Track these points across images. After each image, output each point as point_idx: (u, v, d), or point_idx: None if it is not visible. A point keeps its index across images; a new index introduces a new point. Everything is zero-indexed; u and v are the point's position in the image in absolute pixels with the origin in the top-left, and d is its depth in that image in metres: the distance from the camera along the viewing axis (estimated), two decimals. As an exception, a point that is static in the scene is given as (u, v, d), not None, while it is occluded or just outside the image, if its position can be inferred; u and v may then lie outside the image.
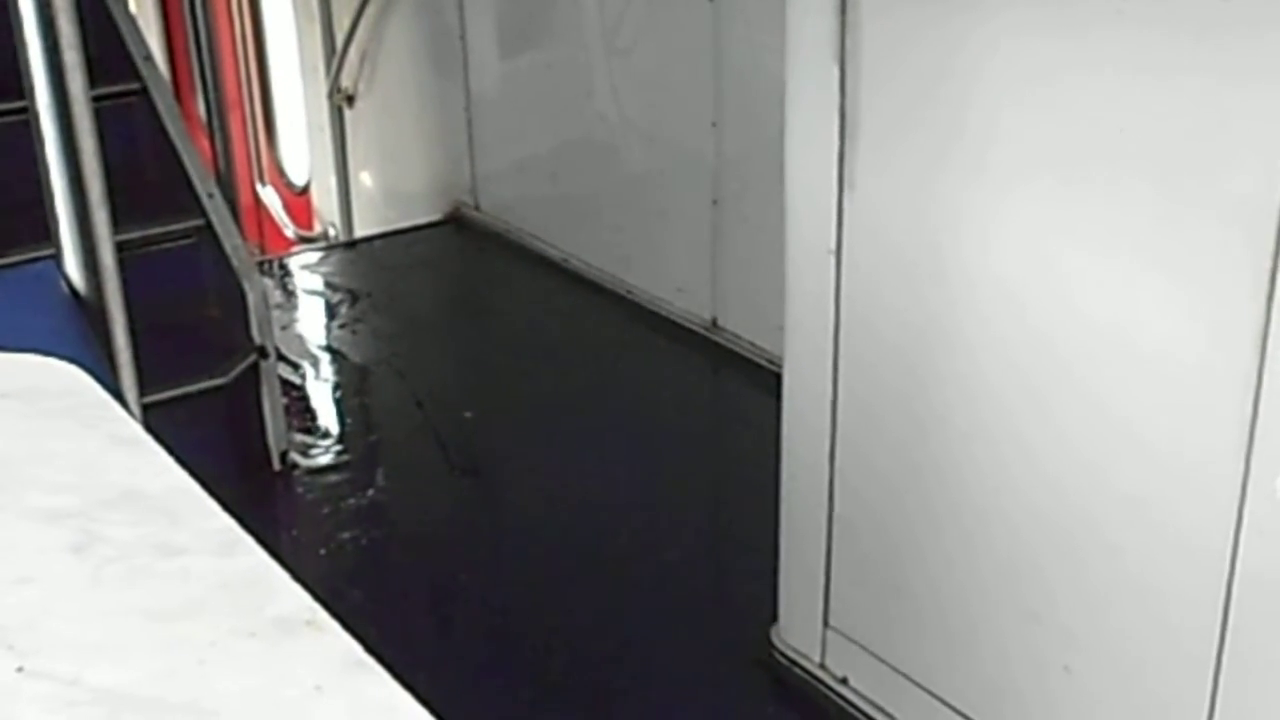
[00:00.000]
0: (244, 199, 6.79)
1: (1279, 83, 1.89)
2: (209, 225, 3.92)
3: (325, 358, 4.77)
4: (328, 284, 5.41)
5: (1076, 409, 2.33)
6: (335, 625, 1.21)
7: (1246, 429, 2.04)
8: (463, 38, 5.57)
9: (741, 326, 4.55)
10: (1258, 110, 1.93)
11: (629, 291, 4.94)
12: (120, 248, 3.54)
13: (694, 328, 4.70)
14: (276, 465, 3.98)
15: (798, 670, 3.08)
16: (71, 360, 1.73)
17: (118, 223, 3.51)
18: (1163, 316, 2.15)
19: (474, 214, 5.81)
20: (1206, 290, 2.07)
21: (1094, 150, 2.19)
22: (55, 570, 1.30)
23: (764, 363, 4.33)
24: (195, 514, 1.39)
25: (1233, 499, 2.08)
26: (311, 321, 5.13)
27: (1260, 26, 1.91)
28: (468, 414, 4.43)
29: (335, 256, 5.86)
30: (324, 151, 6.61)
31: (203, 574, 1.30)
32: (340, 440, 4.25)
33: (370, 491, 3.95)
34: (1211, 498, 2.12)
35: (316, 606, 1.23)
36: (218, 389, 3.90)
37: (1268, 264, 1.95)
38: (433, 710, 1.12)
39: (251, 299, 3.84)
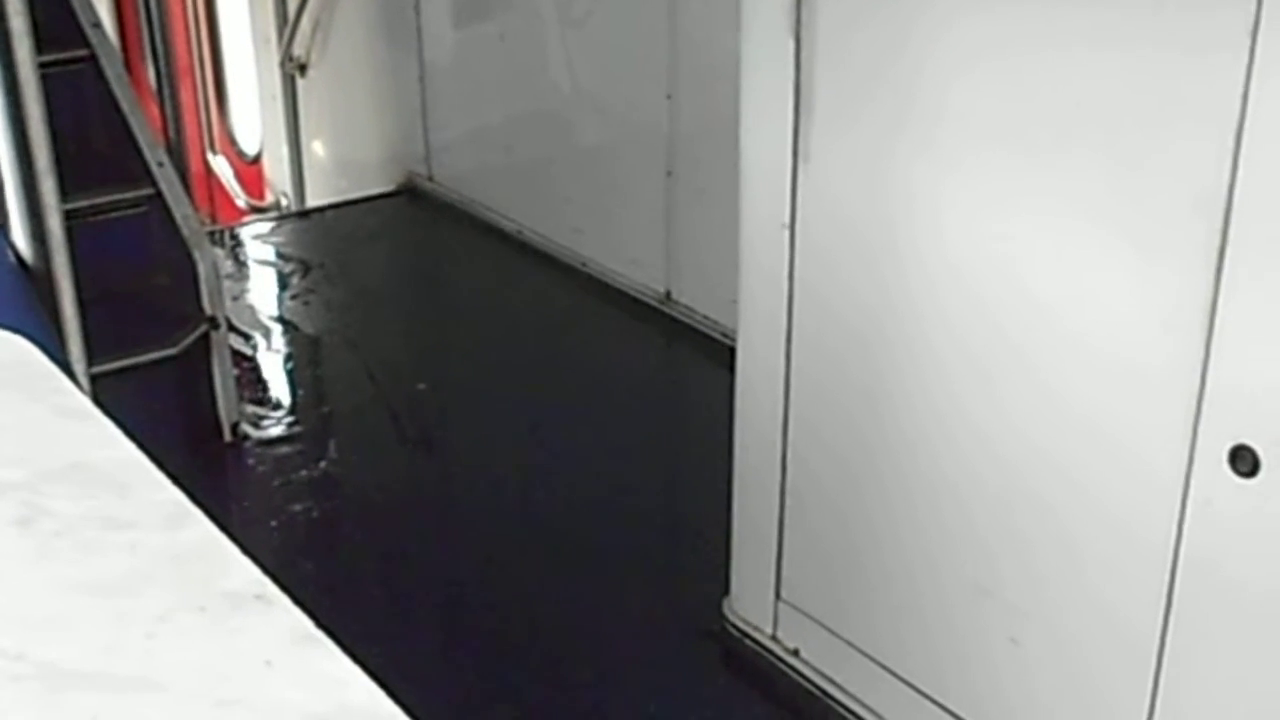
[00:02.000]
0: (195, 168, 6.74)
1: (1233, 57, 1.90)
2: (159, 194, 3.88)
3: (277, 328, 4.74)
4: (279, 254, 5.38)
5: (1023, 387, 2.34)
6: (285, 599, 1.20)
7: (1192, 412, 2.05)
8: (416, 8, 5.53)
9: (695, 299, 4.55)
10: (1211, 84, 1.94)
11: (583, 264, 4.93)
12: (68, 216, 3.51)
13: (647, 300, 4.69)
14: (227, 437, 3.96)
15: (749, 642, 3.09)
16: (18, 331, 1.71)
17: (66, 191, 3.48)
18: (1111, 296, 2.16)
19: (427, 185, 5.78)
20: (1156, 269, 2.08)
21: (1048, 125, 2.19)
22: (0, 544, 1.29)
23: (717, 336, 4.33)
24: (143, 486, 1.37)
25: (1177, 480, 2.10)
26: (263, 292, 5.10)
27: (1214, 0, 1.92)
28: (420, 385, 4.42)
29: (287, 226, 5.82)
30: (276, 121, 6.56)
31: (151, 547, 1.28)
32: (292, 411, 4.23)
33: (322, 463, 3.93)
34: (1156, 478, 2.13)
35: (266, 580, 1.22)
36: (168, 360, 3.87)
37: (1217, 241, 1.96)
38: (384, 684, 1.11)
39: (202, 269, 3.81)
